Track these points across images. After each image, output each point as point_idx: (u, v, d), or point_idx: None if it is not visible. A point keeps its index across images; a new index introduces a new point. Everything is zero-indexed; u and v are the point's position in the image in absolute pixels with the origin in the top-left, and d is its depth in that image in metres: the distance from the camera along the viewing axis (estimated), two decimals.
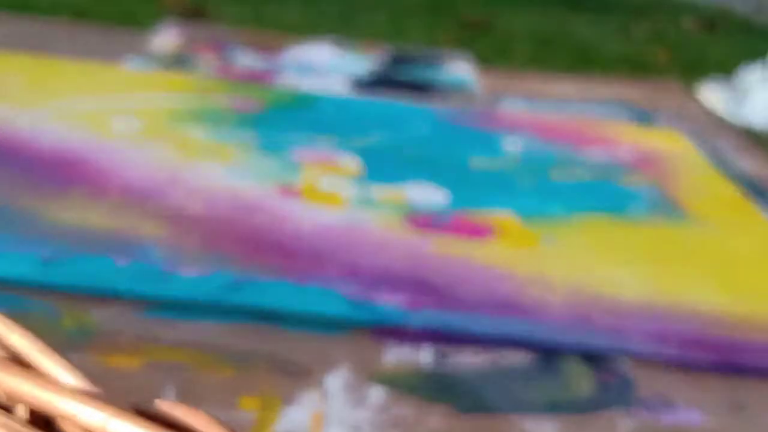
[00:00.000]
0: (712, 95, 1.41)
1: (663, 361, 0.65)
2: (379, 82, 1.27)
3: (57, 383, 0.24)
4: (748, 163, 1.12)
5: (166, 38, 1.34)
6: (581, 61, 1.59)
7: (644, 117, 1.28)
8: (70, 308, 0.62)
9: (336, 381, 0.58)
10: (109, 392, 0.24)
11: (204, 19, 1.53)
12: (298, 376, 0.58)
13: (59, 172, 0.78)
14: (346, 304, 0.64)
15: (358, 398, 0.56)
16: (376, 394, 0.57)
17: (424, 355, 0.62)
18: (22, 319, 0.59)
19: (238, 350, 0.60)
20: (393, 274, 0.67)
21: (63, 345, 0.57)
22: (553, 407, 0.58)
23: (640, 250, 0.78)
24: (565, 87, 1.40)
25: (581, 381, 0.61)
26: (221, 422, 0.23)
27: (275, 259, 0.67)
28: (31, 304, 0.62)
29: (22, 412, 0.24)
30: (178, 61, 1.24)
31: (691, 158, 1.06)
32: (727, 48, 1.86)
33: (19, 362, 0.25)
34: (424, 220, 0.78)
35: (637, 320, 0.65)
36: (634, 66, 1.62)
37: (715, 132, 1.24)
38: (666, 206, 0.89)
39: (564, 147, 1.04)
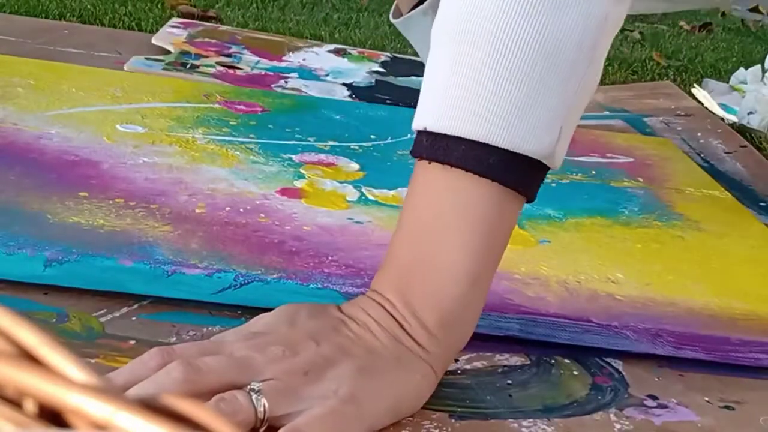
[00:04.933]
0: (707, 97, 1.42)
1: (657, 360, 0.66)
2: (378, 87, 1.28)
3: (64, 377, 0.24)
4: (742, 165, 1.12)
5: (170, 42, 1.35)
6: None
7: (638, 122, 1.29)
8: (75, 310, 0.63)
9: None
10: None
11: (208, 24, 1.54)
12: None
13: (65, 174, 0.78)
14: None
15: None
16: None
17: None
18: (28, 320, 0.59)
19: None
20: None
21: (69, 347, 0.58)
22: (548, 410, 0.58)
23: (635, 250, 0.78)
24: None
25: (575, 383, 0.62)
26: (226, 417, 0.24)
27: (277, 259, 0.68)
28: (36, 305, 0.62)
29: (30, 406, 0.24)
30: (182, 65, 1.25)
31: (683, 163, 1.07)
32: (722, 50, 1.87)
33: (27, 357, 0.25)
34: None
35: (632, 319, 0.66)
36: (629, 68, 1.62)
37: (709, 133, 1.25)
38: (659, 208, 0.89)
39: None
